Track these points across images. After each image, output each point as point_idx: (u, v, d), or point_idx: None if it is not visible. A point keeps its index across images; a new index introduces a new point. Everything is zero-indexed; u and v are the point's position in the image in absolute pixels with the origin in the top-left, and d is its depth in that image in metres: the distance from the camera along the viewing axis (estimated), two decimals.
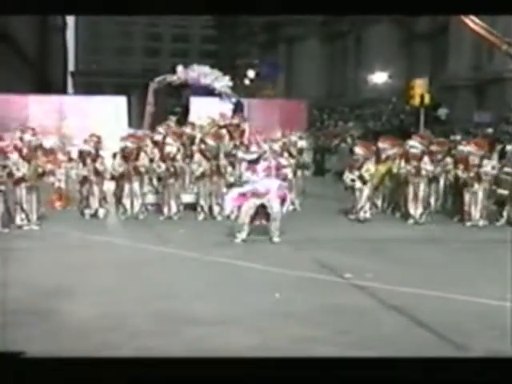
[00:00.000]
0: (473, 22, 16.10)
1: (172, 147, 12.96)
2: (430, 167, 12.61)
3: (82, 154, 13.07)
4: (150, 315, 6.03)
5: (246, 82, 45.73)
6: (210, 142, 12.94)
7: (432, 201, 13.73)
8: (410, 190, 12.49)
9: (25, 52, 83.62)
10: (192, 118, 16.47)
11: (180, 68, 15.22)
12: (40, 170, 11.48)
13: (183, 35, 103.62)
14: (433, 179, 13.37)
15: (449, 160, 13.26)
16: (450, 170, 12.96)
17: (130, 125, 18.89)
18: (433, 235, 11.16)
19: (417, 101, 21.67)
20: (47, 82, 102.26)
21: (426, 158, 12.69)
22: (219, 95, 15.33)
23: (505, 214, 12.03)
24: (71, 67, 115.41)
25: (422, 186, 12.58)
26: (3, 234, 10.46)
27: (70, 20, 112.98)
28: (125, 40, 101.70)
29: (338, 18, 49.89)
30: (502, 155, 13.85)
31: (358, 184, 12.42)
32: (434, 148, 14.70)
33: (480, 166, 12.11)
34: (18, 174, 11.10)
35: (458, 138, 23.60)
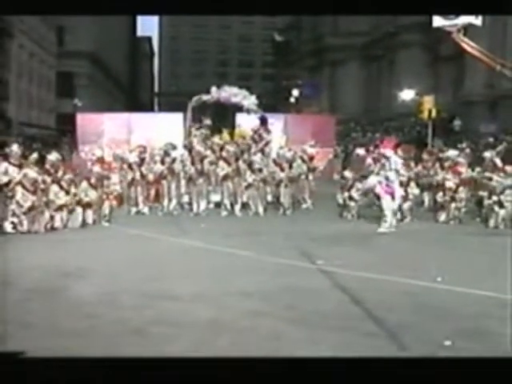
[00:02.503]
0: (468, 44, 15.68)
1: (202, 152, 13.21)
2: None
3: (130, 162, 13.44)
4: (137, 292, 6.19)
5: (292, 100, 45.85)
6: (231, 148, 13.11)
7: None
8: None
9: (119, 79, 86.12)
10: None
11: (213, 88, 15.38)
12: (104, 197, 11.50)
13: (247, 61, 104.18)
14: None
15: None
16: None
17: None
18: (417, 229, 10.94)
19: (425, 115, 21.22)
20: (138, 103, 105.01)
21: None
22: (247, 111, 15.38)
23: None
24: (156, 89, 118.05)
25: None
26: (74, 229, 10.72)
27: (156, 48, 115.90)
28: (198, 65, 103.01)
29: (374, 44, 49.44)
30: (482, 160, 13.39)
31: (348, 202, 12.21)
32: (424, 156, 14.52)
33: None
34: (86, 200, 11.07)
35: (464, 145, 23.08)
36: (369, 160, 12.95)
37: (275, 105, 70.70)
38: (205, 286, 6.45)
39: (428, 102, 21.12)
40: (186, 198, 13.58)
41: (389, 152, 11.31)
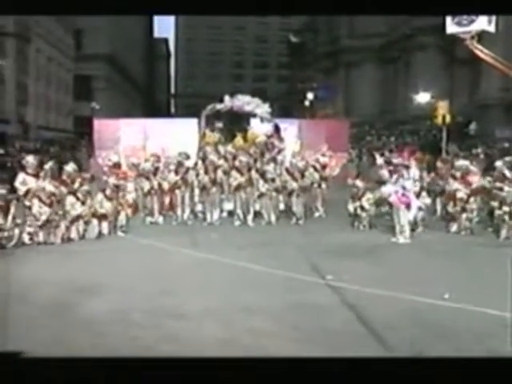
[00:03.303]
0: (482, 51, 15.67)
1: (215, 162, 13.33)
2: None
3: (145, 171, 13.62)
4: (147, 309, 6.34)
5: (306, 103, 45.87)
6: (244, 158, 13.24)
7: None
8: None
9: (136, 80, 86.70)
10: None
11: (227, 97, 15.52)
12: (120, 208, 11.65)
13: (262, 62, 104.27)
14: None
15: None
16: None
17: None
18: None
19: (440, 120, 21.20)
20: (155, 105, 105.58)
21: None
22: (260, 119, 15.49)
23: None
24: (173, 91, 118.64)
25: None
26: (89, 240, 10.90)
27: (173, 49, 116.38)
28: (214, 67, 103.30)
29: (389, 46, 49.30)
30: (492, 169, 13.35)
31: (359, 212, 12.22)
32: (439, 164, 14.52)
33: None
34: (102, 211, 11.21)
35: (479, 150, 22.99)
36: (384, 171, 12.89)
37: (289, 106, 70.91)
38: (214, 303, 6.58)
39: (442, 107, 21.06)
40: (199, 207, 13.71)
41: (409, 162, 11.43)
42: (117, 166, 24.76)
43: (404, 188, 10.75)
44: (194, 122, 23.24)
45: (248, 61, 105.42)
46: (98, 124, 24.55)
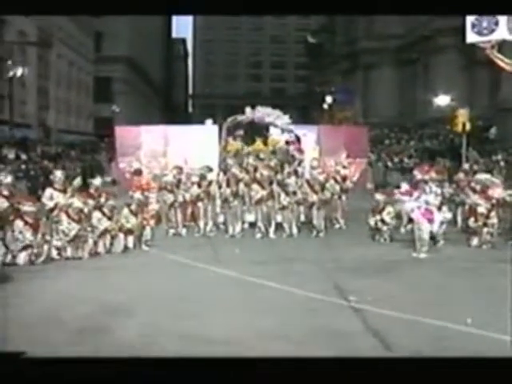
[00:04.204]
0: (503, 61, 15.71)
1: (237, 175, 13.53)
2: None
3: (167, 184, 13.87)
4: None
5: (325, 106, 45.88)
6: (265, 172, 13.42)
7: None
8: None
9: (154, 79, 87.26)
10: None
11: (248, 109, 15.71)
12: (144, 223, 11.78)
13: (280, 62, 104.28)
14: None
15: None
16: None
17: None
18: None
19: (459, 128, 21.17)
20: (173, 105, 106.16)
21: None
22: (281, 130, 15.68)
23: None
24: (191, 91, 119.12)
25: None
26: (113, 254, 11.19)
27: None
28: (232, 67, 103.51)
29: (408, 47, 49.14)
30: None
31: (380, 225, 12.34)
32: (460, 176, 14.54)
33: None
34: (127, 226, 11.45)
35: (499, 157, 22.91)
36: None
37: (307, 108, 70.93)
38: (235, 326, 6.69)
39: (463, 115, 21.00)
40: (221, 218, 13.93)
41: (430, 175, 11.53)
42: (138, 172, 25.19)
43: (427, 203, 10.83)
44: (214, 128, 23.61)
45: (265, 61, 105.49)
46: (120, 131, 24.90)
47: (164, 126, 26.33)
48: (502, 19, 16.16)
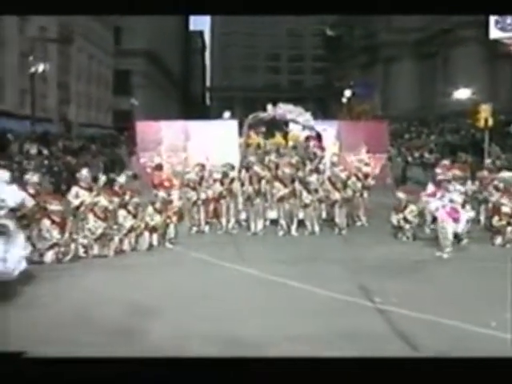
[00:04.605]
0: None
1: (259, 173, 13.57)
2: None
3: (190, 181, 13.95)
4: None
5: (344, 100, 45.70)
6: (287, 170, 13.45)
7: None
8: None
9: (172, 72, 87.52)
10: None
11: (269, 106, 15.71)
12: (168, 221, 11.91)
13: (298, 55, 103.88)
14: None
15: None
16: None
17: None
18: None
19: (482, 123, 20.94)
20: (191, 98, 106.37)
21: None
22: (302, 127, 15.68)
23: None
24: (208, 83, 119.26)
25: None
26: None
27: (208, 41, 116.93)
28: (250, 60, 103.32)
29: (428, 40, 48.71)
30: None
31: (403, 224, 12.30)
32: (485, 173, 14.43)
33: None
34: (152, 224, 11.55)
35: None
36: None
37: (325, 98, 70.72)
38: (261, 327, 6.75)
39: (485, 110, 20.72)
40: (243, 215, 14.00)
41: (450, 173, 11.45)
42: (159, 167, 25.39)
43: (452, 201, 10.77)
44: (233, 123, 23.67)
45: (283, 54, 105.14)
46: (141, 126, 25.09)
47: (184, 121, 26.45)
48: None
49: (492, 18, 16.48)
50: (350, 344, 6.26)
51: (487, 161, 21.32)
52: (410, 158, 26.77)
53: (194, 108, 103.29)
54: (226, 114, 64.58)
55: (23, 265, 8.11)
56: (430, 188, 11.44)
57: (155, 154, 24.16)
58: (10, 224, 7.91)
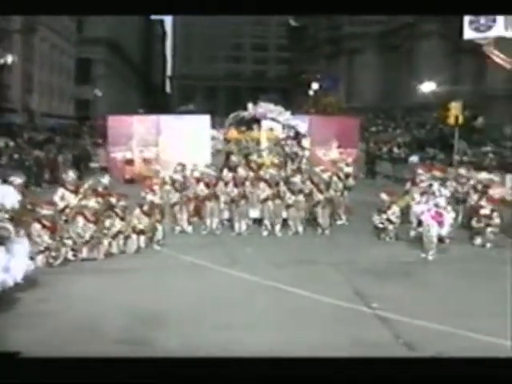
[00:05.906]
0: (499, 57, 16.00)
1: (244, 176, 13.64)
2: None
3: (174, 182, 13.86)
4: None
5: (311, 92, 46.02)
6: (272, 171, 13.56)
7: None
8: None
9: (133, 61, 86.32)
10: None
11: (250, 105, 15.77)
12: (156, 223, 11.86)
13: (262, 45, 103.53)
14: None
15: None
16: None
17: None
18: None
19: (452, 121, 21.40)
20: (150, 86, 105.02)
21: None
22: (282, 126, 15.75)
23: None
24: (169, 72, 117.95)
25: None
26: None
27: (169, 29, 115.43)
28: (212, 49, 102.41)
29: (392, 33, 49.30)
30: None
31: (386, 224, 12.53)
32: (462, 171, 14.79)
33: None
34: (140, 227, 11.51)
35: (489, 148, 23.31)
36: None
37: (289, 89, 70.87)
38: (266, 337, 6.84)
39: (455, 108, 21.18)
40: (225, 215, 14.01)
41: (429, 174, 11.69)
42: (130, 162, 25.21)
43: (437, 205, 11.02)
44: (205, 118, 23.70)
45: (246, 43, 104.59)
46: (112, 121, 24.84)
47: (156, 115, 26.27)
48: (500, 16, 16.22)
49: (466, 18, 16.78)
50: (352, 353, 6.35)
51: (456, 157, 21.95)
52: (378, 153, 27.21)
53: (154, 96, 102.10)
54: (190, 106, 64.43)
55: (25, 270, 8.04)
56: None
57: (126, 149, 24.11)
58: (12, 228, 7.80)
